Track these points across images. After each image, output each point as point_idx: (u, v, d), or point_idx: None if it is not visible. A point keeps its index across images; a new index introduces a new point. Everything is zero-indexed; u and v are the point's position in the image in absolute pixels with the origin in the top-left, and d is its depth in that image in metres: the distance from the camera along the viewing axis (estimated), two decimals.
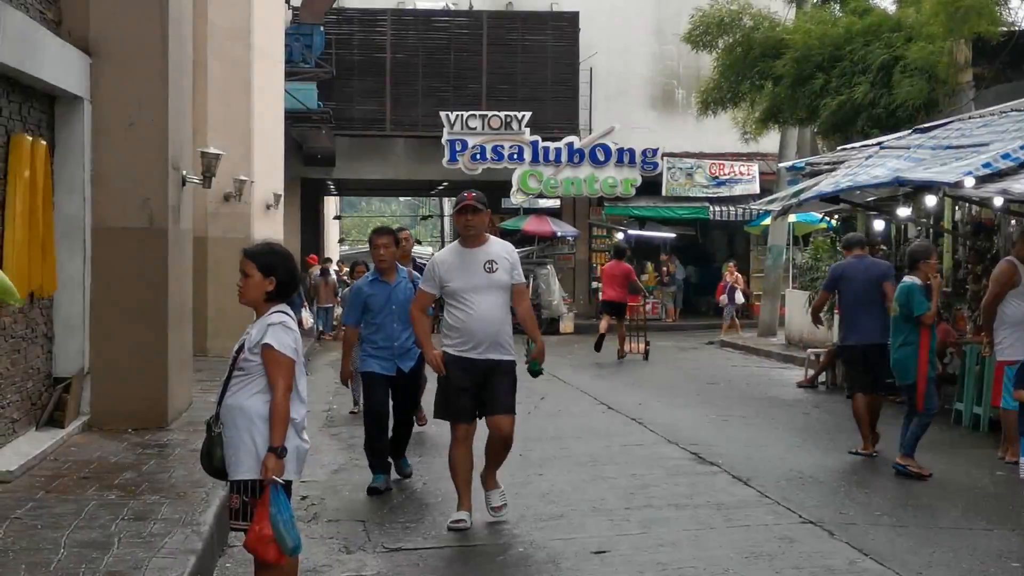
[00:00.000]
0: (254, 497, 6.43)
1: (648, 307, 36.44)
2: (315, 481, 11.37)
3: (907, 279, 12.01)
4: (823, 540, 9.01)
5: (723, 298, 33.52)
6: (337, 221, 58.33)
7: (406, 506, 10.46)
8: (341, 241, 61.22)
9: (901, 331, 11.95)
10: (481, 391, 9.42)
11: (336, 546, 8.99)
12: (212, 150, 16.79)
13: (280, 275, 6.63)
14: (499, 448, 9.63)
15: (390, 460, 11.28)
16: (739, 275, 33.98)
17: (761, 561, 8.39)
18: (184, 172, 14.02)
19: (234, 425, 6.53)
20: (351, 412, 16.18)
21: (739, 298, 33.42)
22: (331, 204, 54.29)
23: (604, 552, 8.63)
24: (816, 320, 14.64)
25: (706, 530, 9.39)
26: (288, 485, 6.50)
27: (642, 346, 25.57)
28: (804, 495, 10.71)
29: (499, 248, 9.64)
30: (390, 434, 11.30)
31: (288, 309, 6.67)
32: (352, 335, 11.40)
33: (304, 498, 10.57)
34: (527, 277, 22.35)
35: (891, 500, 10.51)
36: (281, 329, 6.51)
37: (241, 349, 6.60)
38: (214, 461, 6.64)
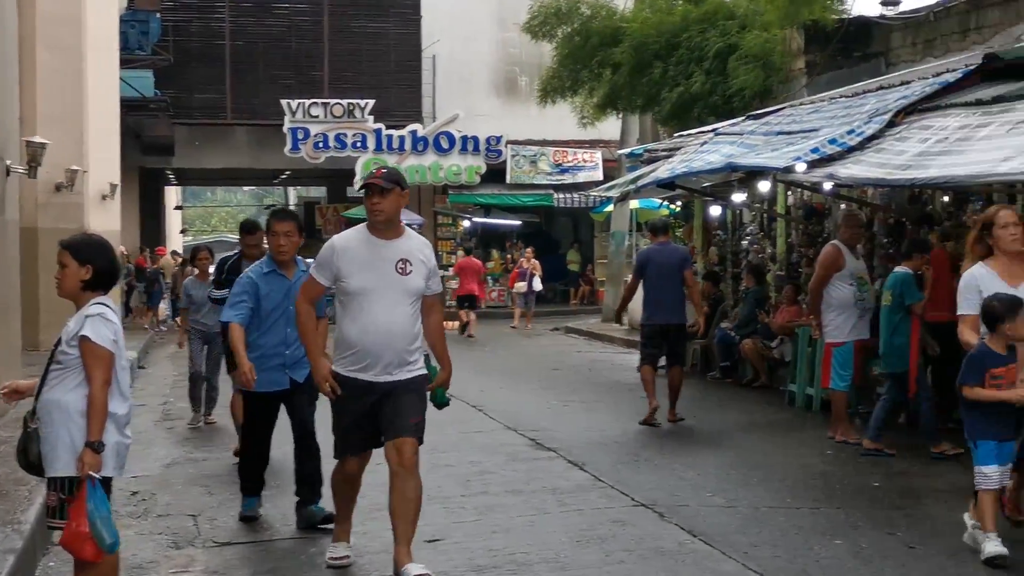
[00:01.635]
0: (71, 494, 6.26)
1: (495, 295, 36.63)
2: (147, 476, 11.17)
3: (899, 268, 12.28)
4: (654, 522, 9.11)
5: (520, 284, 32.53)
6: (179, 211, 57.42)
7: (238, 499, 10.29)
8: (184, 232, 60.28)
9: (892, 320, 12.16)
10: (379, 412, 7.55)
11: (165, 542, 8.81)
12: (38, 139, 16.37)
13: (98, 264, 6.46)
14: (408, 499, 7.48)
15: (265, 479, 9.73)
16: (536, 261, 33.06)
17: (593, 545, 8.45)
18: (8, 162, 13.64)
19: (51, 420, 6.34)
20: (189, 424, 14.63)
21: (537, 285, 32.63)
22: (172, 194, 53.42)
23: (437, 540, 8.60)
24: (619, 318, 15.27)
25: (540, 515, 9.43)
26: (107, 481, 6.34)
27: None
28: (639, 478, 10.81)
29: (417, 246, 7.70)
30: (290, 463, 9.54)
31: (108, 300, 6.51)
32: (239, 331, 9.08)
33: (134, 493, 10.36)
34: None
35: (723, 481, 10.66)
36: (99, 320, 6.34)
37: (59, 342, 6.43)
38: (30, 457, 6.45)
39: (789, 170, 12.84)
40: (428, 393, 7.70)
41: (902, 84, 13.84)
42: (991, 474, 7.93)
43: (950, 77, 12.71)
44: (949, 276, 12.70)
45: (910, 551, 8.23)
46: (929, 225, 14.63)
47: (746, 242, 20.34)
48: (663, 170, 16.53)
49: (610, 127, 31.39)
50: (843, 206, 16.29)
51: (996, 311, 7.98)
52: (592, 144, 36.59)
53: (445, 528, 8.97)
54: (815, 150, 12.74)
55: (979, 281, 8.32)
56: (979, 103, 11.56)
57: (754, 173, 14.88)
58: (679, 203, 22.63)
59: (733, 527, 8.90)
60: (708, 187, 18.60)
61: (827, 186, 14.20)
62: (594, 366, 21.43)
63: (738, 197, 18.55)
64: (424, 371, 7.65)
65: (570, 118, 31.60)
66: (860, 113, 13.37)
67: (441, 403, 7.89)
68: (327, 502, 8.75)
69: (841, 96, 15.34)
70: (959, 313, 8.43)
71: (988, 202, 14.07)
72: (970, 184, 11.69)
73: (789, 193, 18.45)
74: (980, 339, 8.07)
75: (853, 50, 19.56)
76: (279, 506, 9.62)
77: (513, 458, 11.92)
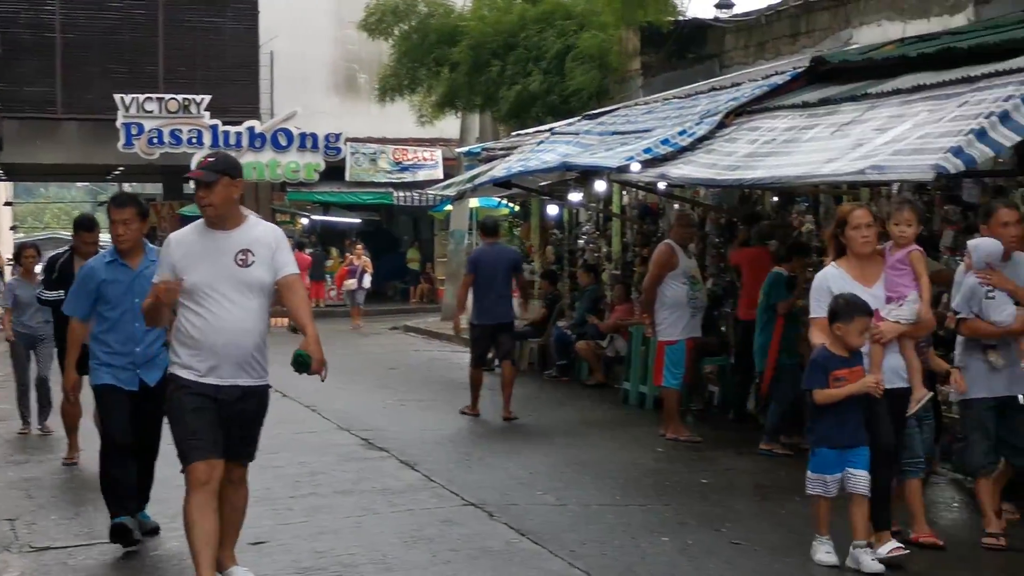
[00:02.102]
0: None
1: (333, 294, 36.32)
2: None
3: (776, 269, 12.39)
4: (483, 522, 9.07)
5: (351, 282, 31.87)
6: (8, 208, 55.88)
7: (60, 503, 10.02)
8: (14, 228, 58.67)
9: (760, 319, 12.34)
10: (226, 427, 7.04)
11: None
12: None
13: None
14: (236, 508, 7.30)
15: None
16: (366, 258, 32.57)
17: (420, 545, 8.38)
18: None
19: None
20: (19, 432, 13.83)
21: (367, 282, 32.15)
22: (1, 190, 51.98)
23: (262, 543, 8.44)
24: (457, 326, 15.54)
25: (369, 516, 9.33)
26: None
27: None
28: (470, 477, 10.77)
29: (261, 234, 7.06)
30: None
31: None
32: (81, 331, 8.66)
33: None
34: None
35: (554, 480, 10.66)
36: None
37: None
38: None
39: (622, 170, 12.92)
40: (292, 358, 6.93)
41: (733, 86, 14.04)
42: (829, 481, 7.77)
43: (779, 80, 12.92)
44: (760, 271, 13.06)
45: (735, 547, 8.31)
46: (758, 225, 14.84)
47: (582, 241, 20.47)
48: (499, 169, 16.54)
49: (450, 125, 31.33)
50: (676, 206, 16.46)
51: (831, 309, 7.79)
52: (432, 142, 36.49)
53: (271, 530, 8.82)
54: (648, 150, 12.84)
55: (830, 282, 8.04)
56: (806, 105, 11.76)
57: (589, 172, 14.94)
58: (517, 202, 22.69)
59: (562, 526, 8.90)
60: (545, 186, 18.66)
61: (661, 186, 14.34)
62: (432, 365, 21.35)
63: (574, 196, 18.64)
64: (267, 383, 7.14)
65: (410, 116, 31.46)
66: (692, 114, 13.53)
67: (303, 363, 6.90)
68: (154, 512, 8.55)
69: (675, 97, 15.51)
70: (811, 316, 8.14)
71: (815, 203, 14.35)
72: (796, 185, 11.89)
73: (624, 193, 18.61)
74: (821, 344, 7.85)
75: (688, 52, 19.79)
76: (101, 508, 9.35)
77: (344, 458, 11.79)
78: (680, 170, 12.36)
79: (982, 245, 8.39)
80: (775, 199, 15.04)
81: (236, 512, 7.32)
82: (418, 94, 27.69)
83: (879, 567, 7.63)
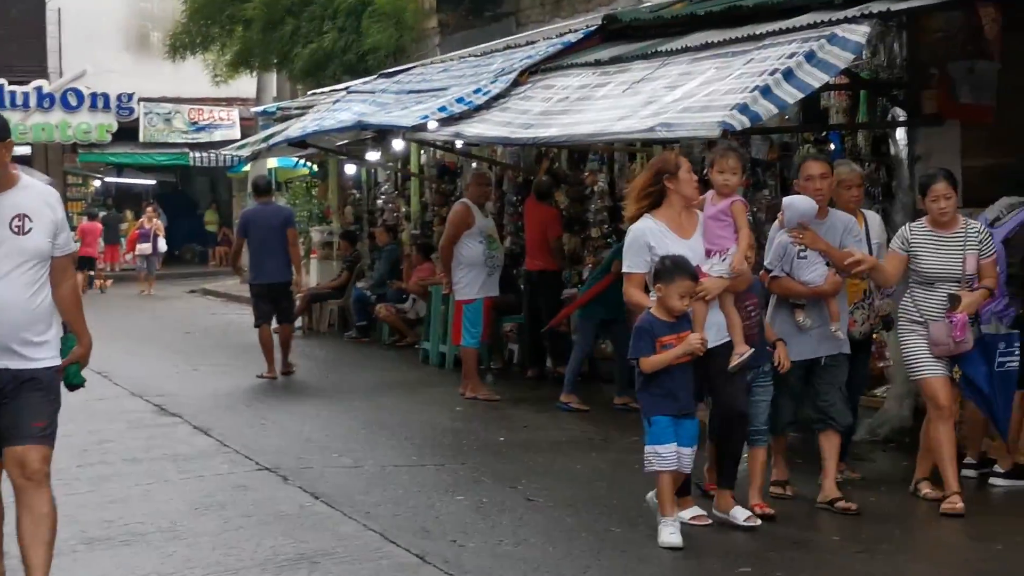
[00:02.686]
0: None
1: (129, 257, 35.41)
2: None
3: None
4: (277, 486, 8.93)
5: (144, 246, 30.70)
6: None
7: None
8: None
9: (594, 277, 12.44)
10: None
11: None
12: None
13: None
14: (40, 516, 5.97)
15: None
16: (158, 221, 31.83)
17: (211, 512, 8.21)
18: None
19: None
20: None
21: (162, 246, 31.45)
22: None
23: None
24: (236, 270, 15.44)
25: (159, 483, 9.12)
26: None
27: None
28: (265, 441, 10.61)
29: (37, 196, 6.06)
30: None
31: None
32: None
33: None
34: None
35: (351, 442, 10.57)
36: None
37: None
38: None
39: (418, 128, 12.83)
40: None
41: (528, 44, 14.04)
42: (666, 454, 7.19)
43: (572, 38, 12.95)
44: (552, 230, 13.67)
45: (529, 503, 8.35)
46: (557, 183, 14.92)
47: (381, 201, 20.33)
48: (295, 129, 16.25)
49: (247, 84, 30.77)
50: (474, 165, 16.43)
51: (656, 270, 7.35)
52: (229, 102, 35.83)
53: (57, 501, 8.51)
54: (443, 108, 12.77)
55: (648, 236, 7.52)
56: (599, 63, 11.81)
57: (385, 132, 14.80)
58: (315, 162, 22.42)
59: (357, 488, 8.82)
60: (343, 146, 18.44)
61: (458, 144, 14.29)
62: (229, 328, 20.97)
63: (372, 156, 18.45)
64: (56, 361, 6.04)
65: (205, 76, 30.77)
66: (487, 72, 13.48)
67: (74, 384, 6.21)
68: None
69: (471, 55, 15.44)
70: (624, 271, 7.70)
71: (609, 161, 14.48)
72: (589, 142, 11.95)
73: (423, 152, 18.51)
74: (647, 310, 7.36)
75: (484, 10, 19.69)
76: None
77: (135, 425, 11.51)
78: (475, 129, 12.32)
79: (795, 203, 7.99)
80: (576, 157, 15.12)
81: (40, 523, 5.96)
82: (212, 52, 27.08)
83: (678, 540, 7.16)
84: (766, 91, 8.58)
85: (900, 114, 10.54)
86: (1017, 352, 8.11)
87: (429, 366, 15.47)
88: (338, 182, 21.79)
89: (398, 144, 16.61)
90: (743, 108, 8.44)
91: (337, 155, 19.67)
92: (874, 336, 10.74)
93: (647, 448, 7.28)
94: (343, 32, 21.81)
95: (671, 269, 7.29)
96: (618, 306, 11.79)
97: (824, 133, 11.56)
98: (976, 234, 8.05)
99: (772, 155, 11.95)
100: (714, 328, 7.52)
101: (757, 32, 9.82)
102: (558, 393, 12.10)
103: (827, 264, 8.00)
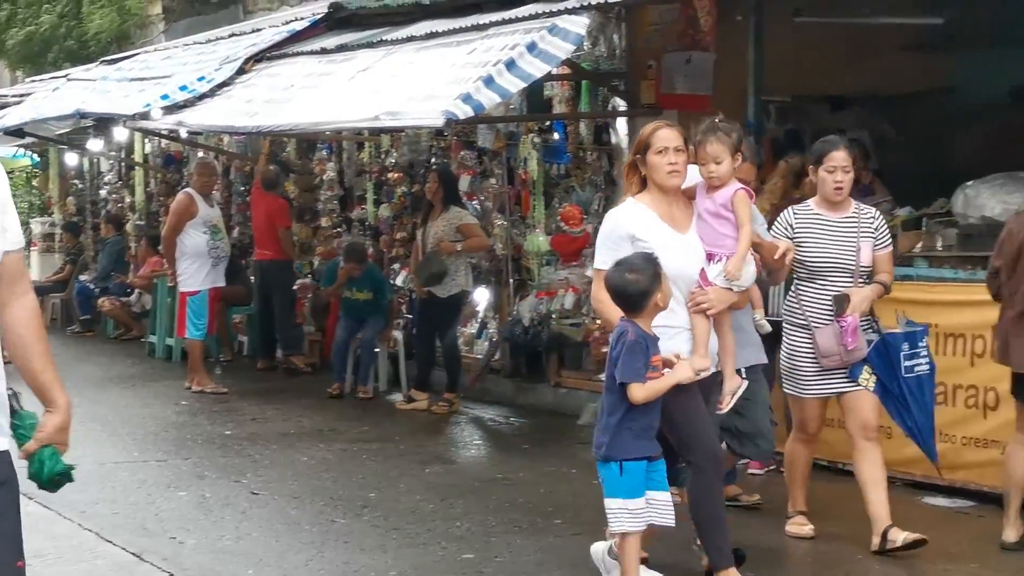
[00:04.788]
0: None
1: None
2: None
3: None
4: None
5: None
6: None
7: None
8: None
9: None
10: None
11: None
12: None
13: None
14: None
15: None
16: None
17: None
18: None
19: None
20: None
21: None
22: None
23: None
24: None
25: None
26: None
27: None
28: None
29: None
30: None
31: None
32: None
33: None
34: None
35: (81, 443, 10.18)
36: None
37: None
38: None
39: (140, 117, 12.53)
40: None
41: (253, 32, 13.86)
42: (639, 510, 5.56)
43: (298, 25, 12.83)
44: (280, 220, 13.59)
45: (253, 497, 8.20)
46: (287, 172, 14.76)
47: (104, 191, 19.77)
48: (12, 117, 15.68)
49: None
50: (200, 154, 16.10)
51: (635, 284, 5.53)
52: None
53: None
54: (165, 96, 12.54)
55: (631, 225, 5.84)
56: (324, 52, 11.74)
57: (106, 120, 14.40)
58: (36, 152, 21.63)
59: (73, 486, 8.34)
60: (64, 135, 17.81)
61: (183, 133, 13.98)
62: None
63: (94, 145, 17.94)
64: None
65: None
66: (212, 60, 13.27)
67: (52, 477, 3.89)
68: None
69: (195, 43, 15.16)
70: (596, 267, 5.98)
71: (338, 150, 14.41)
72: (315, 131, 11.85)
73: (147, 141, 18.06)
74: (632, 322, 5.56)
75: None
76: None
77: None
78: (198, 117, 12.09)
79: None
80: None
81: None
82: None
83: None
84: (489, 81, 8.63)
85: (620, 104, 10.76)
86: (925, 352, 6.75)
87: (155, 360, 15.10)
88: (59, 172, 21.06)
89: (120, 133, 16.20)
90: (467, 97, 8.48)
91: (57, 144, 19.00)
92: (597, 322, 11.01)
93: (613, 503, 5.59)
94: (63, 17, 21.10)
95: (643, 269, 5.57)
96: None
97: (548, 123, 11.74)
98: (871, 220, 6.75)
99: (499, 144, 12.06)
100: (687, 351, 5.84)
101: (481, 22, 9.88)
102: (289, 385, 12.01)
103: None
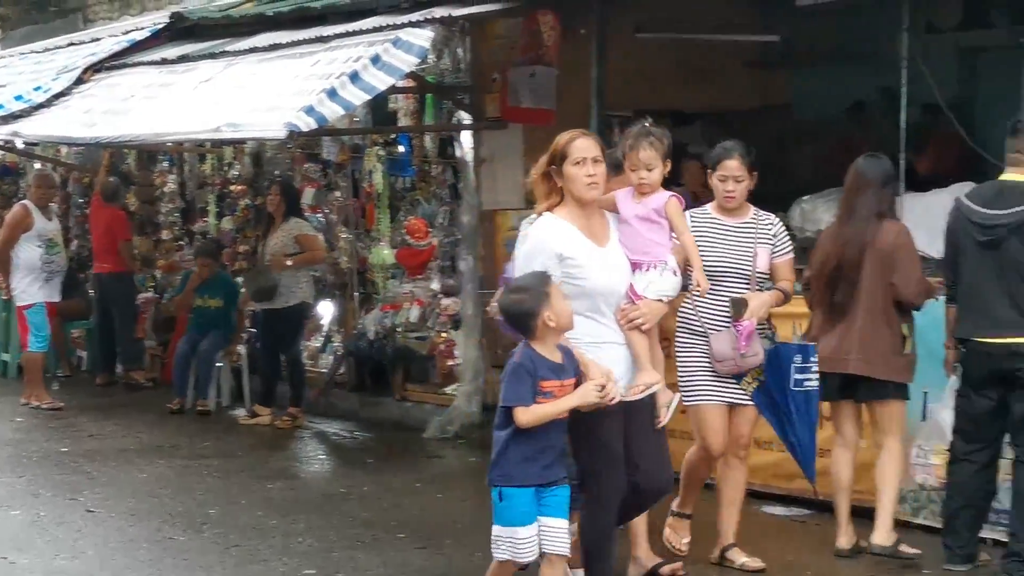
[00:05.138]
0: None
1: None
2: None
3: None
4: None
5: None
6: None
7: None
8: None
9: None
10: None
11: None
12: None
13: None
14: None
15: None
16: None
17: None
18: None
19: None
20: None
21: None
22: None
23: None
24: None
25: None
26: None
27: None
28: None
29: None
30: None
31: None
32: None
33: None
34: None
35: None
36: None
37: None
38: None
39: None
40: None
41: (92, 41, 13.65)
42: (525, 539, 5.26)
43: (139, 35, 12.68)
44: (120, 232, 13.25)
45: (89, 515, 8.01)
46: (127, 184, 14.50)
47: None
48: None
49: None
50: (37, 165, 15.74)
51: (518, 304, 5.28)
52: None
53: None
54: (0, 106, 12.28)
55: (556, 242, 5.51)
56: (165, 62, 11.62)
57: None
58: None
59: None
60: None
61: (19, 144, 13.66)
62: None
63: None
64: None
65: None
66: (49, 69, 13.06)
67: None
68: None
69: (32, 52, 14.88)
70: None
71: (179, 161, 14.22)
72: (156, 142, 11.66)
73: None
74: (525, 343, 5.29)
75: (49, 4, 19.00)
76: None
77: None
78: (34, 127, 11.87)
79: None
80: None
81: None
82: None
83: None
84: (332, 93, 8.63)
85: (465, 117, 10.78)
86: (815, 368, 6.59)
87: None
88: None
89: None
90: (310, 109, 8.48)
91: None
92: (442, 335, 11.04)
93: (501, 529, 5.31)
94: None
95: (532, 289, 5.28)
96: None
97: (393, 135, 11.72)
98: (769, 226, 6.63)
99: (343, 157, 12.01)
100: (623, 368, 5.60)
101: (325, 34, 9.87)
102: (129, 400, 11.80)
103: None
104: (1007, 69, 8.38)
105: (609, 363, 5.46)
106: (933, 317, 6.90)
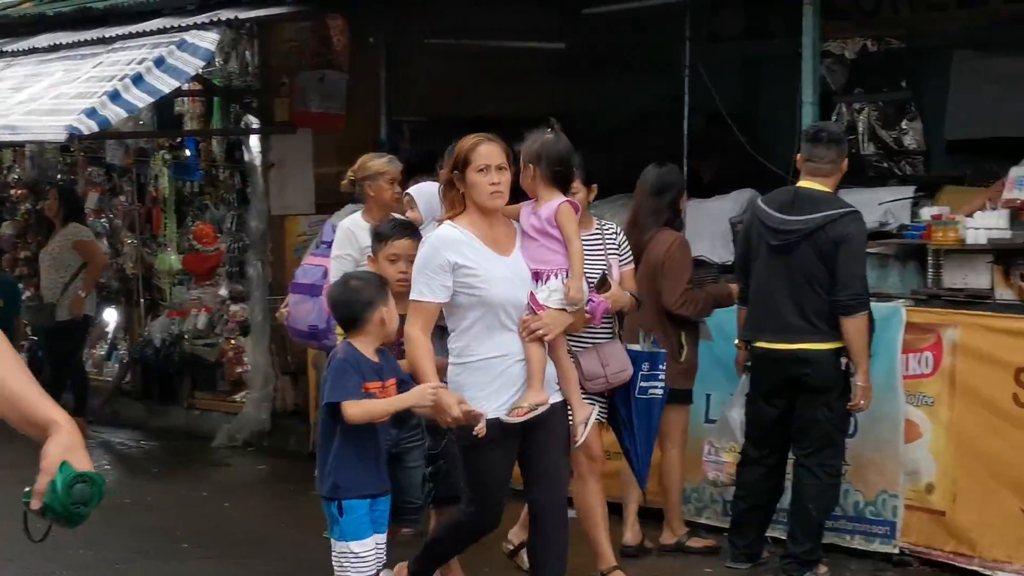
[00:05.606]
0: None
1: None
2: None
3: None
4: None
5: None
6: None
7: None
8: None
9: None
10: None
11: None
12: None
13: None
14: None
15: None
16: None
17: None
18: None
19: None
20: None
21: None
22: None
23: None
24: None
25: None
26: None
27: None
28: None
29: None
30: None
31: None
32: None
33: None
34: None
35: None
36: None
37: None
38: None
39: None
40: None
41: None
42: (365, 553, 5.12)
43: None
44: None
45: None
46: None
47: None
48: None
49: None
50: None
51: (363, 293, 5.14)
52: None
53: None
54: None
55: (451, 250, 5.23)
56: None
57: None
58: None
59: None
60: None
61: None
62: None
63: None
64: None
65: None
66: None
67: (67, 486, 2.83)
68: None
69: None
70: (412, 298, 5.27)
71: None
72: None
73: None
74: (347, 342, 5.12)
75: None
76: None
77: None
78: None
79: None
80: None
81: None
82: None
83: None
84: (115, 96, 8.45)
85: (253, 121, 10.67)
86: (662, 376, 6.43)
87: None
88: None
89: None
90: (91, 112, 8.29)
91: None
92: (231, 341, 10.90)
93: (342, 546, 5.10)
94: None
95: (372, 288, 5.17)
96: None
97: (179, 139, 11.53)
98: (614, 236, 6.43)
99: (128, 161, 11.78)
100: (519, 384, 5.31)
101: (107, 35, 9.66)
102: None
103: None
104: (787, 78, 8.63)
105: (513, 379, 5.26)
106: (713, 324, 7.08)
